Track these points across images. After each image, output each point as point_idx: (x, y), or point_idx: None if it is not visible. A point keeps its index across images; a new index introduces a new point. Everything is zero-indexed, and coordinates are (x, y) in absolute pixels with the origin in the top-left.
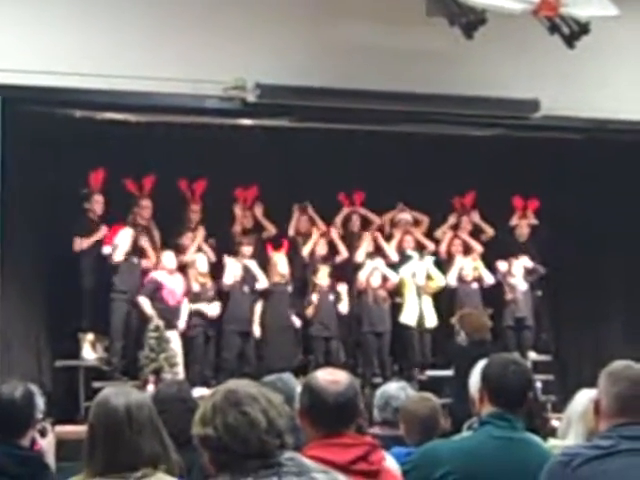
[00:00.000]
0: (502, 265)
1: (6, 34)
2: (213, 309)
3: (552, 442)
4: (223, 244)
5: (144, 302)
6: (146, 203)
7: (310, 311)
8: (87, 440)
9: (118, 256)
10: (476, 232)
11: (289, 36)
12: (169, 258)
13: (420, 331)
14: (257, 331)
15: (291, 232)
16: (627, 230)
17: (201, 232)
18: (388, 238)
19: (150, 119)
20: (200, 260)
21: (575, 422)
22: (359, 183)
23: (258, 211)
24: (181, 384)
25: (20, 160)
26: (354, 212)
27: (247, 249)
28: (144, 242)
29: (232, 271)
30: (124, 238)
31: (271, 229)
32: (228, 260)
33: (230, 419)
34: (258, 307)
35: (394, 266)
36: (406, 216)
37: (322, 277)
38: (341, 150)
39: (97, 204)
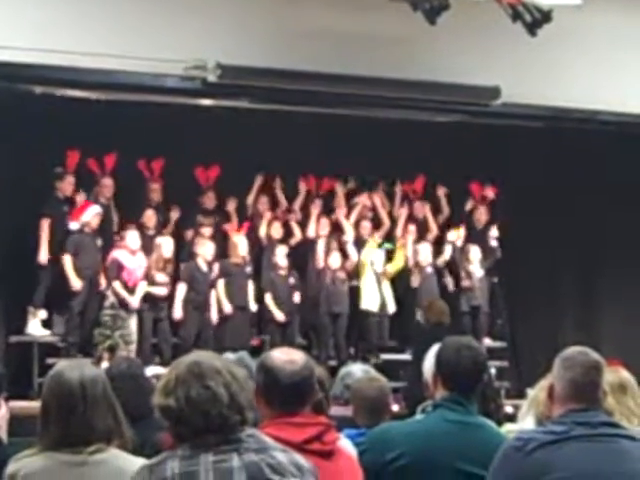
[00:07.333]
0: (451, 235)
1: None
2: (161, 290)
3: (508, 427)
4: (184, 224)
5: (116, 286)
6: (108, 182)
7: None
8: (40, 413)
9: (85, 231)
10: (435, 212)
11: (251, 17)
12: (133, 237)
13: (380, 315)
14: (215, 311)
15: (250, 209)
16: (583, 218)
17: (175, 214)
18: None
19: (110, 97)
20: (166, 244)
21: (533, 407)
22: (319, 165)
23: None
24: (132, 361)
25: None
26: (315, 195)
27: (207, 230)
28: (110, 219)
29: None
30: (92, 215)
31: (232, 210)
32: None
33: (192, 392)
34: (219, 286)
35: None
36: (365, 200)
37: (280, 258)
38: (300, 132)
39: (68, 184)
